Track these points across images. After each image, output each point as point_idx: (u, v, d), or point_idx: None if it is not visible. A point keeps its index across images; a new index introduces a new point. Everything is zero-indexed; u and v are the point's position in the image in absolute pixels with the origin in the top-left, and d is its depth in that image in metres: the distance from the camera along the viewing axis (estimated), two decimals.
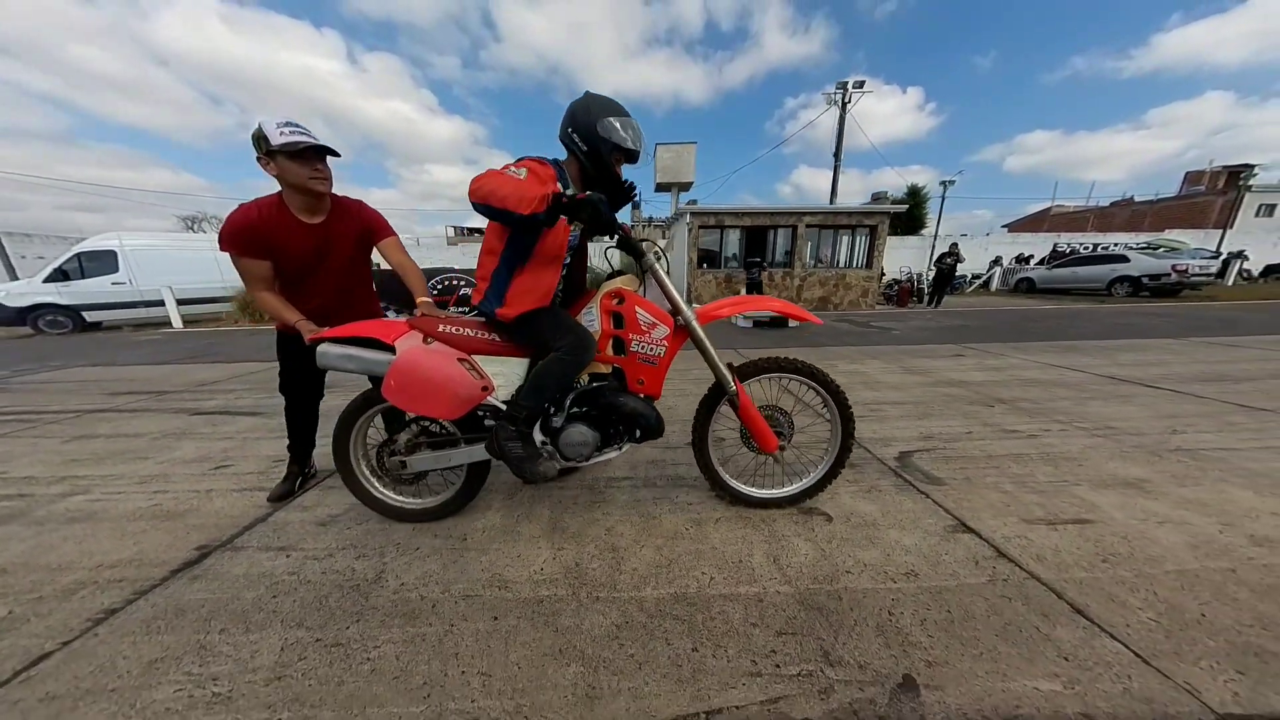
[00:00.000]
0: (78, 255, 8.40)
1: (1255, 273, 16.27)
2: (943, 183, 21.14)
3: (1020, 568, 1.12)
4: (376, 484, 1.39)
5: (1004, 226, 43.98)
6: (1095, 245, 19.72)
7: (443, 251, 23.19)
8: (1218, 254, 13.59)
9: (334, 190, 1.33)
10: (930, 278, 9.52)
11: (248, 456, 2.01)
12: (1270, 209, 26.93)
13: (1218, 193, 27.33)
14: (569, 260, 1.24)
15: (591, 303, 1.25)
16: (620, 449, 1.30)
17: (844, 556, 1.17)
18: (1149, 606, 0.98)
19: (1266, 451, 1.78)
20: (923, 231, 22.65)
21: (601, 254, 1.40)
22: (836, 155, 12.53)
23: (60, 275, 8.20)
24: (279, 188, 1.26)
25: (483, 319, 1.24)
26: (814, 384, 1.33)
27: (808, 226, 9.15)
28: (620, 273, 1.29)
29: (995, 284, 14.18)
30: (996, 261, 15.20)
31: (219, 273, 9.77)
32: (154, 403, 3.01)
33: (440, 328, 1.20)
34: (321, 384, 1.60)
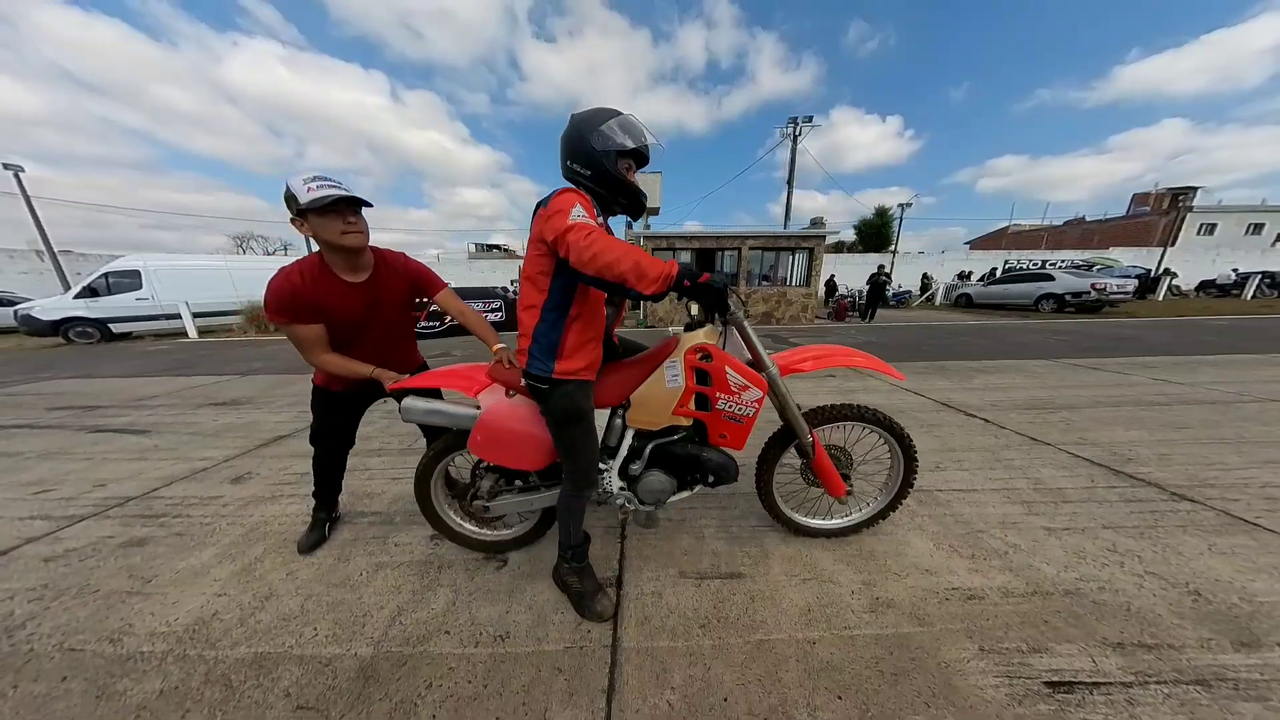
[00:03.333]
0: (105, 274, 8.56)
1: (1185, 288, 15.69)
2: (900, 205, 20.92)
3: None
4: (459, 520, 1.32)
5: (966, 244, 43.15)
6: (1044, 262, 19.23)
7: (460, 268, 23.16)
8: (1144, 273, 13.11)
9: (373, 239, 1.17)
10: (864, 294, 9.30)
11: (81, 480, 1.96)
12: (1211, 228, 25.98)
13: (1161, 213, 26.44)
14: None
15: (675, 357, 1.08)
16: (693, 490, 1.21)
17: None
18: (682, 686, 0.87)
19: (997, 494, 1.63)
20: (892, 249, 22.45)
21: None
22: (789, 182, 12.33)
23: (89, 292, 8.36)
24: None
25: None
26: (882, 431, 1.24)
27: (750, 249, 9.00)
28: (700, 323, 1.12)
29: (939, 299, 13.83)
30: (926, 278, 14.88)
31: (232, 288, 9.91)
32: (71, 419, 3.00)
33: (523, 382, 1.05)
34: (355, 432, 1.41)
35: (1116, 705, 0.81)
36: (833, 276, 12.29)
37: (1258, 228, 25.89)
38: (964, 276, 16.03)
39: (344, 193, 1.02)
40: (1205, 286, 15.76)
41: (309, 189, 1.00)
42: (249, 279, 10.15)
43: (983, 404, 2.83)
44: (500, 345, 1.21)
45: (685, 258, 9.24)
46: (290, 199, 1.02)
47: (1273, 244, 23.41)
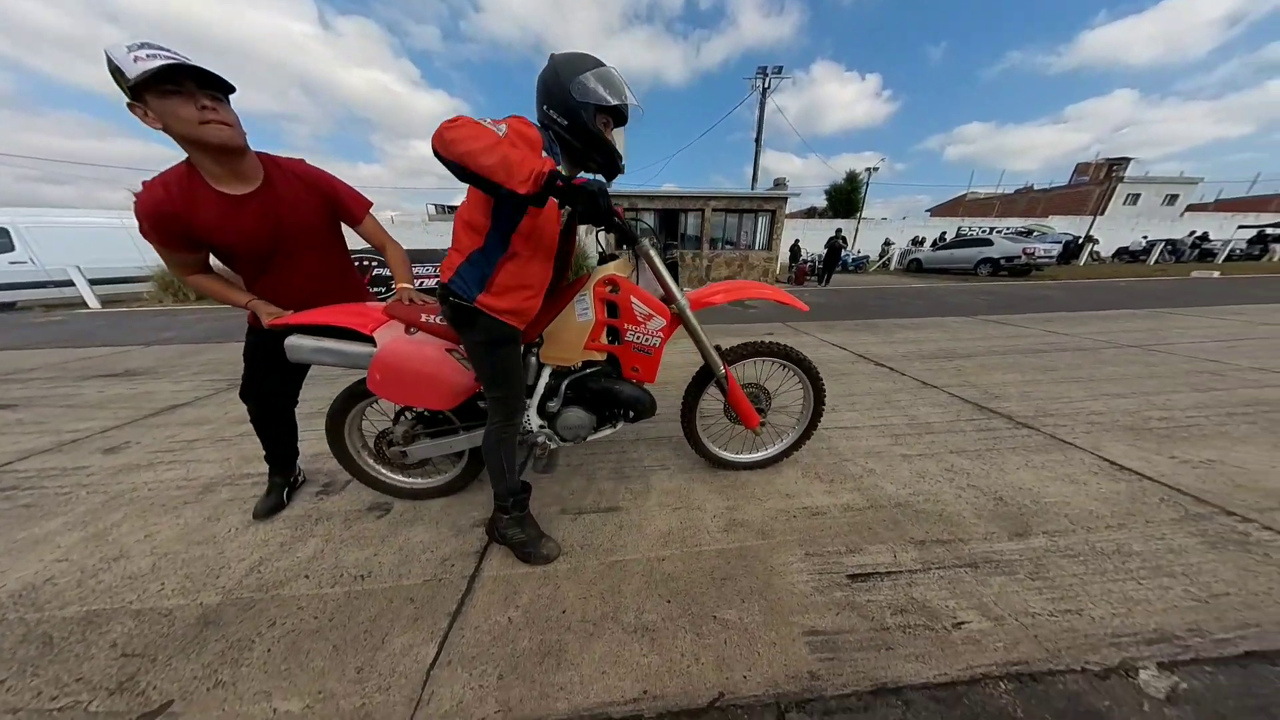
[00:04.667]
0: None
1: (1103, 254, 17.09)
2: (868, 169, 20.87)
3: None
4: (383, 469, 1.28)
5: (928, 210, 44.37)
6: (991, 229, 20.19)
7: (416, 231, 21.00)
8: (1070, 239, 14.08)
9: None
10: (822, 258, 9.46)
11: None
12: (1135, 198, 28.00)
13: (1097, 183, 28.06)
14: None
15: (584, 290, 1.06)
16: (615, 427, 1.22)
17: None
18: (527, 605, 0.92)
19: (874, 430, 1.78)
20: (857, 215, 22.73)
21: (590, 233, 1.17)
22: (758, 140, 11.87)
23: None
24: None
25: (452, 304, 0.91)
26: (792, 364, 1.34)
27: (714, 210, 8.77)
28: (612, 256, 1.11)
29: (893, 263, 14.34)
30: (887, 244, 15.39)
31: (137, 251, 8.59)
32: None
33: (424, 317, 1.03)
34: (298, 385, 1.23)
35: (899, 587, 0.94)
36: (797, 241, 12.32)
37: (1173, 199, 28.20)
38: (917, 242, 16.64)
39: (183, 59, 0.77)
40: (1120, 253, 17.26)
41: (136, 59, 0.74)
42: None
43: (895, 355, 3.02)
44: (405, 285, 1.12)
45: (649, 219, 8.89)
46: (116, 73, 0.76)
47: (1181, 214, 25.70)
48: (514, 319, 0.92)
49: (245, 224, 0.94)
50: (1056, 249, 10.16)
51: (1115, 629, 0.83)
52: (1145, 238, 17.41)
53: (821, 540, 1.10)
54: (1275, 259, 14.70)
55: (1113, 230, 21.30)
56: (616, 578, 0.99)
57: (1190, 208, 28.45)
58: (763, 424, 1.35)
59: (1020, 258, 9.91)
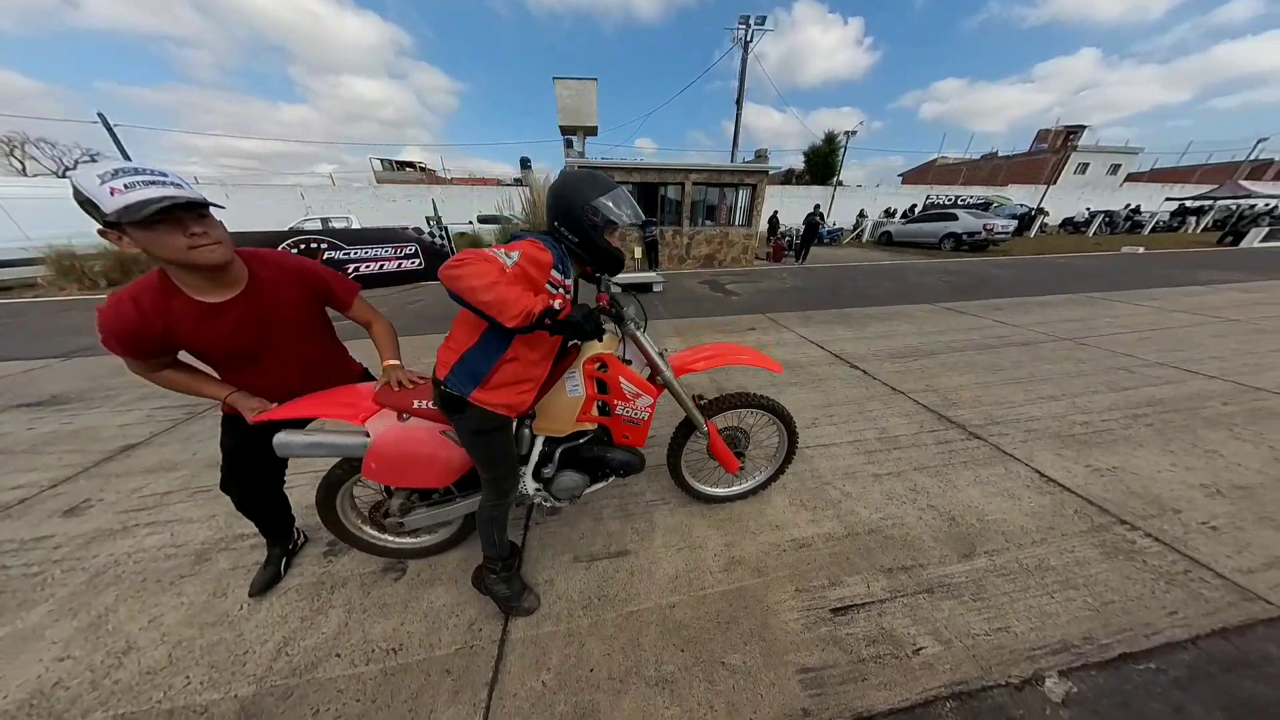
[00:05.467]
0: None
1: (1051, 226, 18.24)
2: (846, 133, 20.46)
3: None
4: (385, 536, 1.29)
5: (900, 176, 44.73)
6: (955, 198, 20.80)
7: (364, 196, 18.38)
8: (1024, 213, 14.85)
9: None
10: (800, 233, 9.51)
11: None
12: (1085, 167, 29.48)
13: (1055, 151, 29.17)
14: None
15: (574, 367, 1.10)
16: (608, 481, 1.31)
17: None
18: (557, 666, 1.03)
19: (850, 447, 1.96)
20: (834, 181, 22.59)
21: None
22: (739, 101, 11.21)
23: None
24: None
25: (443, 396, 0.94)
26: (770, 414, 1.42)
27: (695, 184, 8.43)
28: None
29: (866, 235, 14.66)
30: (862, 214, 15.67)
31: (15, 227, 7.20)
32: None
33: (415, 403, 1.03)
34: (283, 468, 1.19)
35: (871, 617, 1.13)
36: (776, 213, 12.21)
37: (1115, 168, 29.99)
38: (889, 214, 17.00)
39: (175, 195, 0.70)
40: (1066, 224, 18.51)
41: (113, 191, 0.67)
42: (38, 212, 7.32)
43: (867, 354, 3.23)
44: (392, 362, 1.09)
45: (628, 192, 8.44)
46: (86, 204, 0.68)
47: (1120, 185, 27.55)
48: (507, 410, 0.95)
49: (229, 330, 0.89)
50: (1012, 225, 10.74)
51: (1032, 642, 1.06)
52: (1088, 209, 18.64)
53: (808, 574, 1.27)
54: (1190, 231, 16.32)
55: (1061, 200, 22.60)
56: (635, 630, 1.11)
57: (1129, 177, 30.48)
58: (742, 467, 1.46)
59: (981, 233, 10.44)
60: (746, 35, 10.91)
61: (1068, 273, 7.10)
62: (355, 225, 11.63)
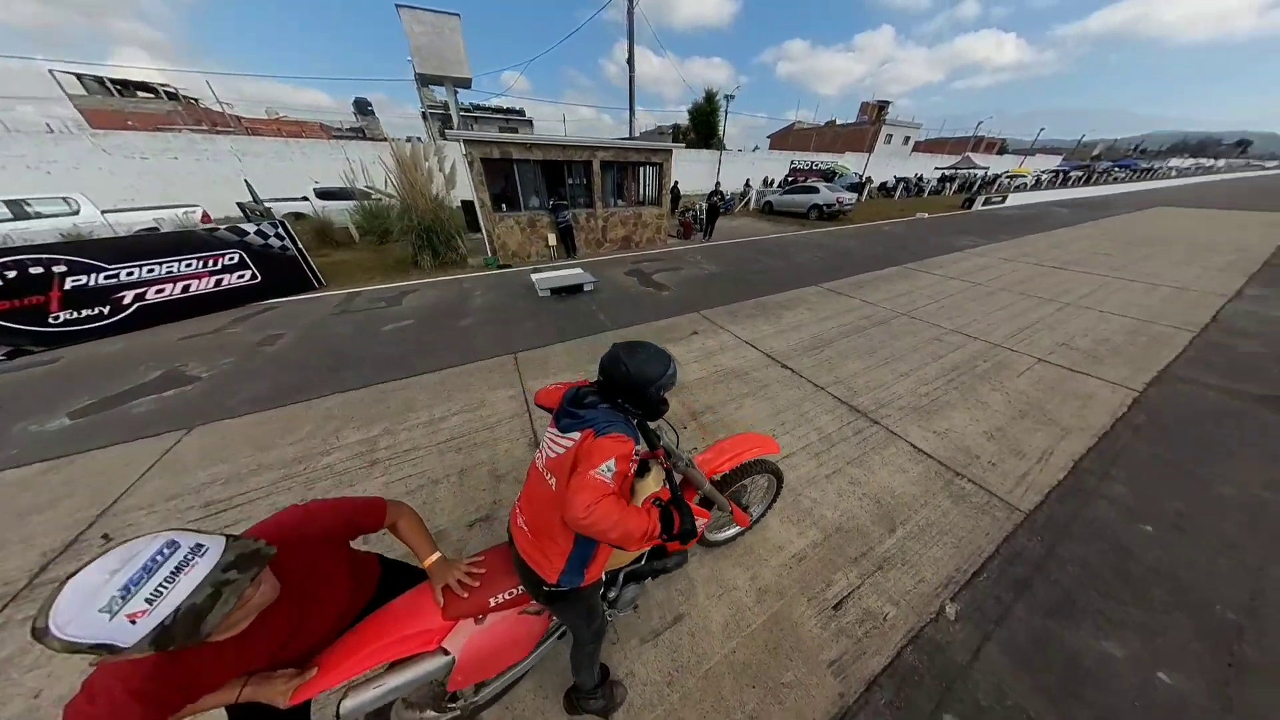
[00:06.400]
0: None
1: (874, 189, 23.28)
2: (726, 96, 21.42)
3: None
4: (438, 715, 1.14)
5: (768, 137, 49.75)
6: (811, 163, 24.40)
7: (78, 151, 10.32)
8: (859, 181, 18.50)
9: None
10: (704, 210, 10.13)
11: None
12: (890, 138, 37.53)
13: (873, 122, 36.23)
14: None
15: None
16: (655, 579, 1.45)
17: None
18: None
19: (804, 453, 2.51)
20: (712, 142, 23.85)
21: None
22: (630, 62, 10.60)
23: None
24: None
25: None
26: (767, 474, 1.73)
27: (603, 163, 7.99)
28: (645, 467, 1.17)
29: (753, 204, 16.35)
30: (748, 184, 17.47)
31: None
32: None
33: (490, 600, 1.00)
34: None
35: (857, 604, 1.64)
36: (676, 183, 12.55)
37: (907, 139, 39.04)
38: (768, 183, 19.23)
39: (234, 578, 0.58)
40: (881, 188, 23.88)
41: (131, 618, 0.49)
42: None
43: (789, 350, 3.93)
44: (435, 558, 1.00)
45: (530, 173, 7.52)
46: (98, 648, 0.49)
47: (910, 154, 36.22)
48: (603, 573, 1.08)
49: (258, 647, 0.73)
50: (853, 197, 13.40)
51: (935, 584, 1.71)
52: (895, 177, 24.25)
53: (811, 583, 1.72)
54: (948, 193, 22.90)
55: (876, 167, 28.74)
56: (715, 686, 1.39)
57: (915, 147, 40.24)
58: (750, 517, 1.80)
59: (835, 204, 12.78)
60: None
61: (892, 243, 9.41)
62: (89, 211, 7.50)
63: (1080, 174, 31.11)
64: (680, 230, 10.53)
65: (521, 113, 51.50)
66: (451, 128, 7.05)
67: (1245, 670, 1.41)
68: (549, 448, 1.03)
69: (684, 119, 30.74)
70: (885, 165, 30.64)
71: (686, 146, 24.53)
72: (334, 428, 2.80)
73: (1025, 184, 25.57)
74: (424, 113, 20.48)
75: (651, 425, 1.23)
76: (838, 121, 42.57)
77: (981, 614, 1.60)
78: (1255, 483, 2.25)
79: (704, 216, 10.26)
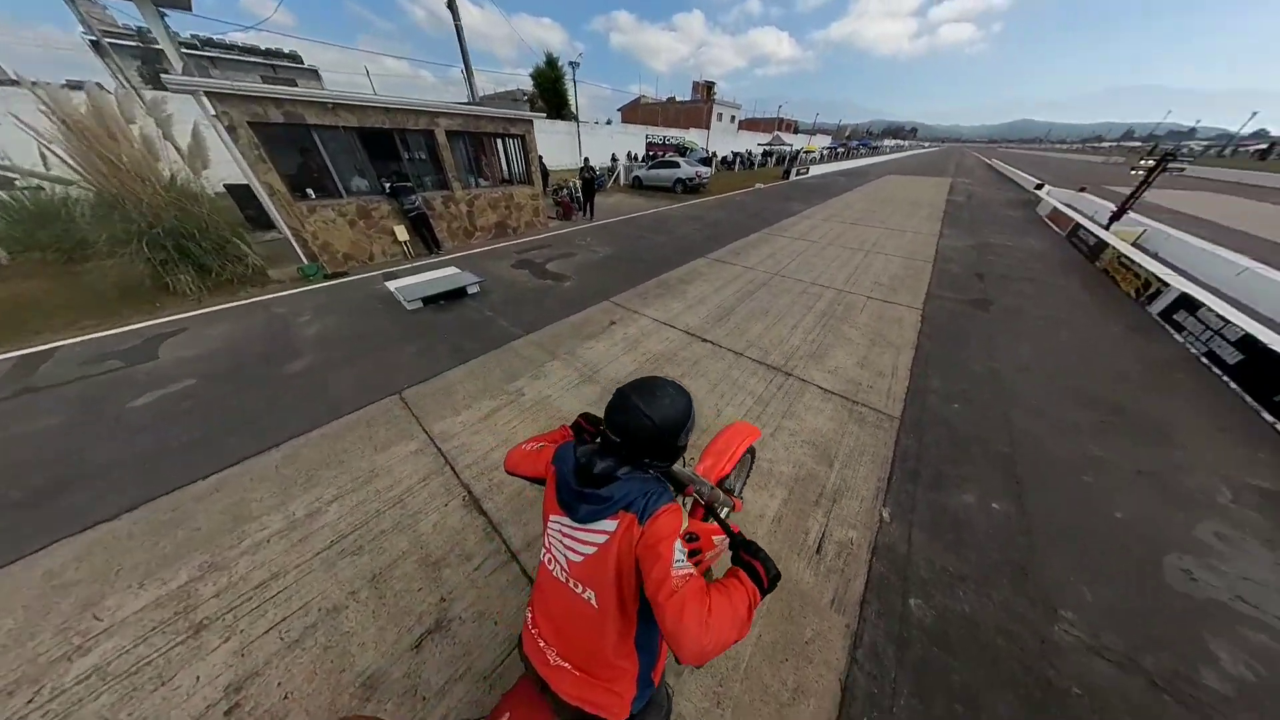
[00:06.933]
0: None
1: (718, 162, 26.36)
2: (571, 63, 20.28)
3: None
4: None
5: (619, 110, 50.17)
6: (665, 138, 25.85)
7: None
8: (709, 156, 20.58)
9: None
10: (579, 188, 9.64)
11: None
12: (721, 116, 42.63)
13: (705, 101, 40.34)
14: None
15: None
16: None
17: None
18: None
19: (748, 419, 2.74)
20: (564, 112, 22.57)
21: None
22: (452, 7, 8.72)
23: None
24: None
25: None
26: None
27: (449, 133, 6.57)
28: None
29: (622, 180, 16.45)
30: (614, 159, 17.54)
31: None
32: None
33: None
34: None
35: (831, 540, 1.90)
36: (541, 158, 11.48)
37: (733, 118, 45.12)
38: (632, 158, 19.64)
39: None
40: (723, 162, 27.31)
41: None
42: None
43: (702, 324, 4.16)
44: None
45: (344, 145, 5.59)
46: None
47: (738, 131, 42.14)
48: None
49: None
50: (709, 171, 14.86)
51: (869, 497, 2.12)
52: (732, 152, 27.97)
53: (794, 538, 1.91)
54: (770, 166, 27.82)
55: (714, 142, 32.67)
56: (758, 680, 1.41)
57: (740, 126, 46.93)
58: (741, 499, 1.88)
59: (695, 178, 13.94)
60: None
61: (747, 211, 10.91)
62: None
63: (842, 149, 42.14)
64: (560, 211, 9.81)
65: (297, 59, 37.96)
66: (168, 71, 4.64)
67: (1025, 485, 2.23)
68: (567, 549, 0.78)
69: (524, 83, 28.04)
70: (721, 141, 34.96)
71: (546, 117, 22.62)
72: (81, 597, 1.64)
73: (816, 158, 33.17)
74: (95, 40, 12.87)
75: (691, 476, 1.05)
76: (677, 98, 45.87)
77: (901, 508, 2.07)
78: (981, 359, 3.54)
79: (580, 195, 9.78)
